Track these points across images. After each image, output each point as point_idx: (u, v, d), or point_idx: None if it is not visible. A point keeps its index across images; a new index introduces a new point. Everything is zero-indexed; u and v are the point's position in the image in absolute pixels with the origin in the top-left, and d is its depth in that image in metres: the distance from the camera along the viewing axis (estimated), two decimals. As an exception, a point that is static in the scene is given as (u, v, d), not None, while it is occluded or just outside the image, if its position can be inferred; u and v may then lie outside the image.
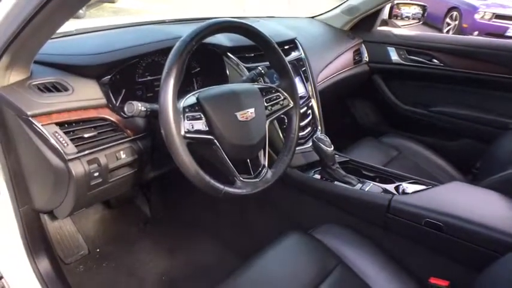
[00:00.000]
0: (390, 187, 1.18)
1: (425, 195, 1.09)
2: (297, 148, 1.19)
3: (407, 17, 2.03)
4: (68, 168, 0.83)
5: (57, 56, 0.93)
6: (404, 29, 2.03)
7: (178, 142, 0.78)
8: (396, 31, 2.00)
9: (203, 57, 1.21)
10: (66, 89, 0.87)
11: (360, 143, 1.62)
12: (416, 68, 1.90)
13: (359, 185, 1.20)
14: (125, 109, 0.85)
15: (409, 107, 1.98)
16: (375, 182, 1.22)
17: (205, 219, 1.60)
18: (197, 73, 1.23)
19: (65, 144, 0.82)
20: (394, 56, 1.95)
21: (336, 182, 1.22)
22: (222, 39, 1.23)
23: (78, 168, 0.84)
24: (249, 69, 1.22)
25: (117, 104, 0.99)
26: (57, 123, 0.83)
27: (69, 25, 1.16)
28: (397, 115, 2.03)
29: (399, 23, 2.02)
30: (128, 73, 1.04)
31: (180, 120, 0.81)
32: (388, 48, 1.96)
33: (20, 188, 0.95)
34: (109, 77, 0.95)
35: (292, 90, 1.05)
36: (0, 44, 0.73)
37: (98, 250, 1.45)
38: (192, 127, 0.82)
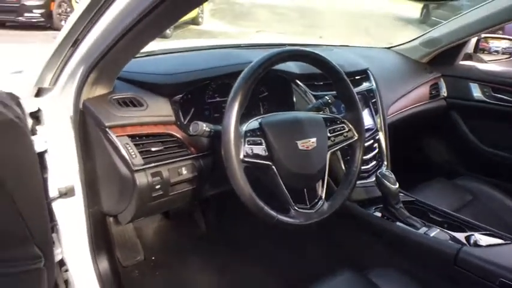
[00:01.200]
0: (460, 236, 1.07)
1: (502, 251, 0.98)
2: (359, 182, 1.15)
3: (496, 51, 1.88)
4: (133, 178, 0.89)
5: (136, 74, 1.02)
6: (492, 64, 1.88)
7: (236, 165, 0.80)
8: (481, 66, 1.85)
9: (271, 82, 1.23)
10: (141, 105, 0.95)
11: (429, 184, 1.50)
12: (502, 107, 1.73)
13: (423, 229, 1.11)
14: (190, 128, 0.89)
15: (491, 148, 1.80)
16: (443, 228, 1.12)
17: (258, 242, 1.59)
18: (264, 98, 1.26)
19: (134, 156, 0.88)
20: (476, 93, 1.80)
21: (397, 223, 1.14)
22: (291, 65, 1.25)
23: (142, 179, 0.89)
24: (317, 98, 1.22)
25: (185, 122, 1.05)
26: (129, 136, 0.90)
27: (156, 44, 1.27)
28: (475, 156, 1.86)
29: (486, 57, 1.88)
30: (199, 93, 1.10)
31: (241, 144, 0.83)
32: (471, 84, 1.82)
33: (92, 191, 1.04)
34: (180, 96, 1.02)
35: (357, 122, 1.02)
36: (90, 61, 0.82)
37: (153, 258, 1.51)
38: (252, 151, 0.84)
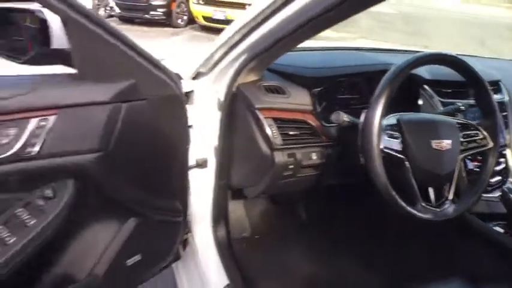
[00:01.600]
0: None
1: None
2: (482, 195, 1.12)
3: None
4: (272, 156, 1.01)
5: (282, 66, 1.15)
6: None
7: (376, 153, 0.86)
8: None
9: (401, 84, 1.26)
10: (284, 93, 1.06)
11: None
12: None
13: None
14: (332, 117, 0.98)
15: None
16: None
17: (362, 238, 1.61)
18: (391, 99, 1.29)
19: (275, 136, 1.00)
20: None
21: (524, 242, 1.09)
22: (422, 70, 1.26)
23: (280, 158, 1.01)
24: (443, 104, 1.22)
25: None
26: (273, 118, 1.02)
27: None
28: None
29: None
30: (333, 88, 1.19)
31: (381, 135, 0.89)
32: None
33: (224, 165, 1.19)
34: (319, 89, 1.11)
35: (494, 130, 1.01)
36: (253, 52, 0.96)
37: (256, 237, 1.64)
38: (389, 144, 0.90)
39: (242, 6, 6.78)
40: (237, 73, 1.02)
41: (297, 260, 1.58)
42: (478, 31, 8.29)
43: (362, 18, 8.99)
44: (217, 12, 7.05)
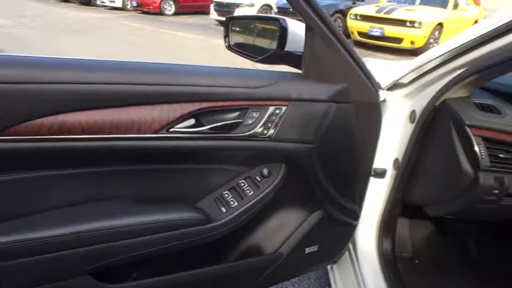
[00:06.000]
0: None
1: None
2: None
3: None
4: (476, 177, 0.94)
5: (496, 84, 1.07)
6: None
7: None
8: None
9: None
10: (499, 113, 0.99)
11: None
12: None
13: None
14: None
15: None
16: None
17: None
18: None
19: (483, 156, 0.94)
20: None
21: None
22: None
23: (486, 180, 0.94)
24: None
25: None
26: (482, 137, 0.96)
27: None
28: None
29: None
30: None
31: None
32: None
33: (404, 179, 1.16)
34: None
35: None
36: (474, 68, 0.92)
37: (416, 261, 1.54)
38: None
39: (403, 23, 6.50)
40: (447, 87, 0.99)
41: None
42: None
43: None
44: (374, 29, 6.93)
